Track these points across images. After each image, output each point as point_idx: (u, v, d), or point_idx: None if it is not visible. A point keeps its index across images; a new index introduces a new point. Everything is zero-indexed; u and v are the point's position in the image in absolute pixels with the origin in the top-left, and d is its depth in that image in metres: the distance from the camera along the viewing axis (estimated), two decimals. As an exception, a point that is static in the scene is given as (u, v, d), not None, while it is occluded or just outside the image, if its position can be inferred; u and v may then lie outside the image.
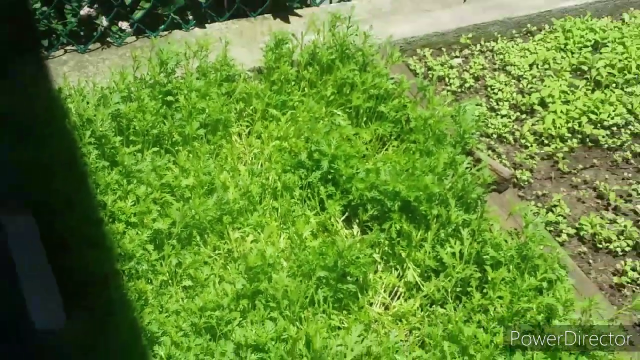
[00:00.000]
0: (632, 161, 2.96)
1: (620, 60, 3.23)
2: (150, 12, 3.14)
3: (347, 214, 2.61)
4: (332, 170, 2.61)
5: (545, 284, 2.39)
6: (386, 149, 2.74)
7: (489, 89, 3.18)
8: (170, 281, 2.37)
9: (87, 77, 2.90)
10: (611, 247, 2.69)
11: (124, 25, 3.18)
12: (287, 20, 3.28)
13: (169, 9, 3.14)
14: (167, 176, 2.57)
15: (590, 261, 2.68)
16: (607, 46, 3.32)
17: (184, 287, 2.35)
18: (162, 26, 3.19)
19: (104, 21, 3.14)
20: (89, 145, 2.60)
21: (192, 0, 3.13)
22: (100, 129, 2.62)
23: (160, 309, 2.29)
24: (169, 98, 2.79)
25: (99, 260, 2.36)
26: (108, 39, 3.17)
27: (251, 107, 2.85)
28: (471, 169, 2.68)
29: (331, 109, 2.84)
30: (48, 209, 2.48)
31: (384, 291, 2.45)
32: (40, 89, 2.88)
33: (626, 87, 3.16)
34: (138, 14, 3.14)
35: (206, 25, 3.25)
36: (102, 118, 2.64)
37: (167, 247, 2.43)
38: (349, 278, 2.39)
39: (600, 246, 2.70)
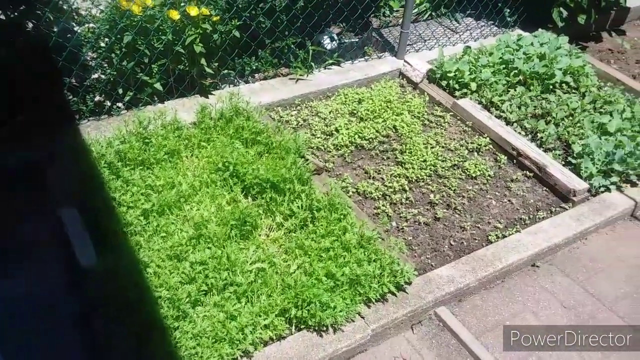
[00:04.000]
0: (380, 155, 3.07)
1: (371, 107, 3.32)
2: (134, 97, 3.01)
3: (244, 192, 2.59)
4: (235, 171, 2.59)
5: (342, 216, 2.45)
6: (262, 158, 2.71)
7: (310, 125, 3.21)
8: (154, 234, 2.29)
9: (101, 133, 2.78)
10: (372, 196, 2.79)
11: (119, 104, 3.05)
12: (207, 97, 3.25)
13: (144, 94, 3.03)
14: (149, 180, 2.48)
15: (363, 204, 2.76)
16: (364, 101, 3.39)
17: (162, 236, 2.29)
18: (140, 104, 3.05)
19: (108, 103, 3.00)
20: (103, 168, 2.50)
21: (156, 89, 3.01)
22: (109, 159, 2.50)
23: (149, 249, 2.22)
24: (146, 140, 2.69)
25: (112, 226, 2.26)
26: (112, 112, 3.02)
27: (192, 142, 2.78)
28: (304, 164, 2.71)
29: (233, 140, 2.81)
30: (86, 202, 2.36)
31: (266, 228, 2.46)
32: (76, 141, 2.73)
33: (374, 120, 3.26)
34: (127, 98, 3.01)
35: (165, 102, 3.13)
36: (109, 153, 2.53)
37: (151, 217, 2.35)
38: (247, 223, 2.38)
39: (367, 196, 2.80)
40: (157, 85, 3.00)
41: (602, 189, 2.92)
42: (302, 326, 2.09)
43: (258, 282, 2.16)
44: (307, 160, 2.81)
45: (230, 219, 2.33)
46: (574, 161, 3.03)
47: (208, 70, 3.12)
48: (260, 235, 2.41)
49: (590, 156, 2.99)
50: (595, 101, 3.53)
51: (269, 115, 3.19)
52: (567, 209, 2.81)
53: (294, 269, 2.22)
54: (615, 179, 2.94)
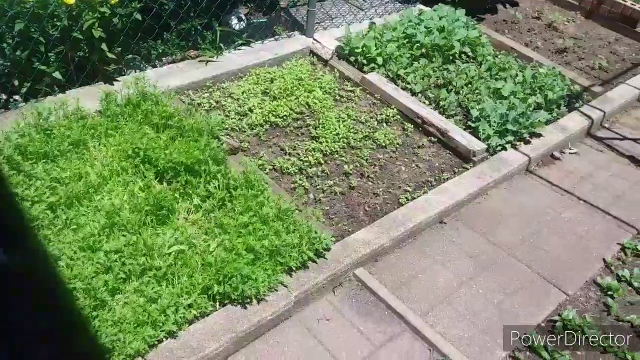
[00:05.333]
0: (294, 131, 3.12)
1: (283, 85, 3.36)
2: (32, 88, 2.85)
3: (158, 177, 2.56)
4: (146, 156, 2.55)
5: (259, 192, 2.49)
6: (175, 142, 2.67)
7: (223, 106, 3.20)
8: (64, 227, 2.22)
9: (-4, 127, 2.60)
10: (289, 171, 2.85)
11: (17, 97, 2.88)
12: (112, 84, 3.14)
13: (43, 84, 2.88)
14: (54, 173, 2.39)
15: (280, 179, 2.82)
16: (277, 80, 3.42)
17: (72, 229, 2.22)
18: (40, 95, 2.91)
19: (4, 96, 2.83)
20: (2, 164, 2.36)
21: (55, 78, 2.87)
22: (7, 153, 2.38)
23: (59, 242, 2.15)
24: (47, 132, 2.57)
25: (19, 222, 2.17)
26: (8, 106, 2.85)
27: (98, 131, 2.69)
28: (218, 145, 2.72)
29: (142, 126, 2.75)
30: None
31: (184, 211, 2.45)
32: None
33: (287, 98, 3.30)
34: (24, 89, 2.85)
35: (66, 91, 2.99)
36: (7, 147, 2.40)
37: (59, 211, 2.27)
38: (163, 208, 2.36)
39: (284, 172, 2.86)
40: (56, 74, 2.86)
41: (499, 147, 3.19)
42: (226, 301, 2.13)
43: (178, 264, 2.16)
44: (221, 141, 2.82)
45: (144, 205, 2.31)
46: (472, 125, 3.28)
47: (110, 55, 3.01)
48: (178, 218, 2.40)
49: (487, 119, 3.24)
50: (491, 69, 3.81)
51: (179, 99, 3.14)
52: (468, 169, 3.05)
53: (214, 247, 2.25)
54: (510, 138, 3.22)
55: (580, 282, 2.52)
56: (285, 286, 2.23)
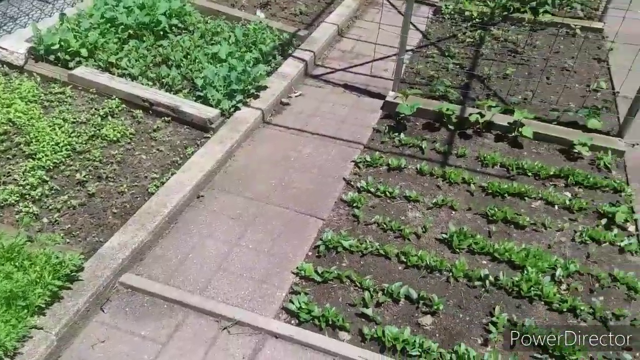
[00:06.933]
0: (2, 155, 2.68)
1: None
2: None
3: None
4: None
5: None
6: None
7: None
8: None
9: None
10: (9, 202, 2.45)
11: None
12: None
13: None
14: None
15: (1, 214, 2.39)
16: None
17: None
18: None
19: None
20: None
21: None
22: None
23: None
24: None
25: None
26: None
27: None
28: None
29: None
30: None
31: None
32: None
33: None
34: None
35: None
36: None
37: None
38: None
39: (3, 205, 2.43)
40: None
41: (232, 109, 3.28)
42: (-34, 378, 1.77)
43: None
44: None
45: None
46: (201, 94, 3.29)
47: None
48: None
49: (212, 84, 3.29)
50: (204, 35, 3.84)
51: None
52: (210, 137, 3.07)
53: None
54: (239, 97, 3.33)
55: (331, 204, 2.83)
56: (41, 328, 1.95)
